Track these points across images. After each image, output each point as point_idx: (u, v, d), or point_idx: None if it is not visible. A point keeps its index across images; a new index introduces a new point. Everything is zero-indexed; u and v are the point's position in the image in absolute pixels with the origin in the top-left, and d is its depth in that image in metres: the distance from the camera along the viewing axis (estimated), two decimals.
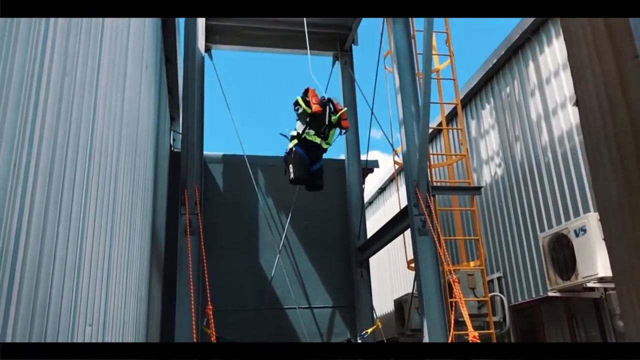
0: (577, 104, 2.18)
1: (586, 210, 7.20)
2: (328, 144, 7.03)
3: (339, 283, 9.50)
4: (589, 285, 6.46)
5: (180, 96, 9.28)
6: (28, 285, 2.05)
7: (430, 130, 9.15)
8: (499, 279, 9.40)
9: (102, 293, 3.51)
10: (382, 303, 13.63)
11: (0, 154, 1.79)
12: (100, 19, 3.29)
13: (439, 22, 9.04)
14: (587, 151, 2.14)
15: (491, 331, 7.76)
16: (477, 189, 8.61)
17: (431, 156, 9.22)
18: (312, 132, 6.85)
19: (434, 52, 8.65)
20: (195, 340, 5.88)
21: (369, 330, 8.30)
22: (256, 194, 9.54)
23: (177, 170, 7.40)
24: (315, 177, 7.24)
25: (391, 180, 14.62)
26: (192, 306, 6.10)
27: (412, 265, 7.76)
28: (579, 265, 6.47)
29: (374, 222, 14.38)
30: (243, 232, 9.45)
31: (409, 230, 7.47)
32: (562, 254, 6.83)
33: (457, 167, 10.37)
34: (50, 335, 2.35)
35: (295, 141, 6.92)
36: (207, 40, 9.50)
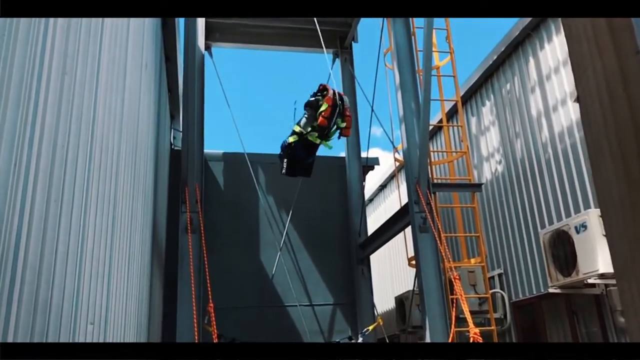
0: (577, 100, 2.17)
1: (587, 206, 7.20)
2: (328, 146, 6.99)
3: (340, 280, 9.51)
4: (590, 281, 6.46)
5: (181, 94, 9.28)
6: (29, 284, 2.05)
7: (431, 127, 9.15)
8: (499, 275, 9.40)
9: (103, 291, 3.51)
10: (383, 300, 13.64)
11: (1, 153, 1.79)
12: (100, 17, 3.29)
13: (439, 19, 9.03)
14: (588, 147, 2.13)
15: (492, 328, 7.77)
16: (478, 186, 8.61)
17: (431, 153, 9.22)
18: (315, 134, 6.79)
19: (434, 49, 8.64)
20: (196, 337, 5.89)
21: (370, 328, 8.30)
22: (257, 192, 9.54)
23: (178, 168, 7.40)
24: (306, 168, 7.30)
25: (392, 177, 14.62)
26: (194, 304, 6.11)
27: (413, 262, 7.77)
28: (579, 262, 6.47)
29: (375, 219, 14.39)
30: (244, 230, 9.45)
31: (409, 227, 7.47)
32: (563, 250, 6.83)
33: (458, 164, 10.37)
34: (52, 333, 2.35)
35: (296, 137, 6.86)
36: (207, 38, 9.50)
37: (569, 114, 7.78)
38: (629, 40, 1.83)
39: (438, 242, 6.73)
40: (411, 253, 8.16)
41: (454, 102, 9.50)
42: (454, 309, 6.26)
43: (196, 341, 5.93)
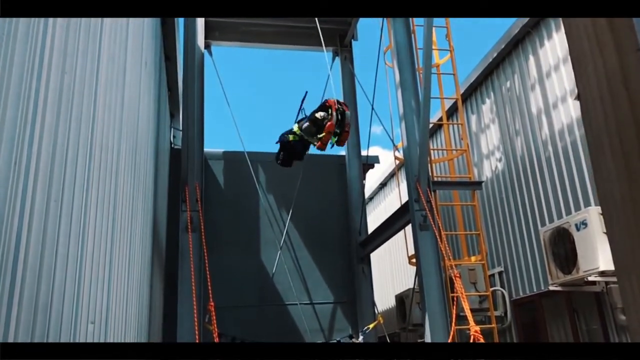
0: (578, 97, 2.17)
1: (587, 204, 7.20)
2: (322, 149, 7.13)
3: (340, 279, 9.51)
4: (590, 279, 6.47)
5: (180, 93, 9.27)
6: (30, 284, 2.05)
7: (431, 125, 9.14)
8: (500, 273, 9.40)
9: (104, 290, 3.51)
10: (384, 298, 13.66)
11: (1, 152, 1.79)
12: (100, 17, 3.28)
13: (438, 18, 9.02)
14: (588, 144, 2.13)
15: (492, 326, 7.77)
16: (478, 184, 8.61)
17: (432, 151, 9.22)
18: (313, 140, 6.91)
19: (434, 47, 8.64)
20: (197, 336, 5.89)
21: (371, 326, 8.31)
22: (257, 191, 9.54)
23: (178, 167, 7.40)
24: (300, 156, 7.51)
25: (392, 175, 14.63)
26: (194, 303, 6.11)
27: (413, 260, 7.77)
28: (580, 259, 6.47)
29: (375, 217, 14.39)
30: (244, 229, 9.45)
31: (410, 225, 7.47)
32: (563, 248, 6.83)
33: (458, 162, 10.37)
34: (53, 333, 2.35)
35: (296, 137, 6.95)
36: (206, 36, 9.49)
37: (569, 112, 7.78)
38: (629, 37, 1.83)
39: (438, 240, 6.73)
40: (411, 251, 8.16)
41: (454, 100, 9.50)
42: (454, 307, 6.26)
43: (197, 340, 5.93)
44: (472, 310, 6.02)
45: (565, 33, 2.28)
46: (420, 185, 7.06)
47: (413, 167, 7.26)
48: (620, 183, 1.88)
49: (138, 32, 5.09)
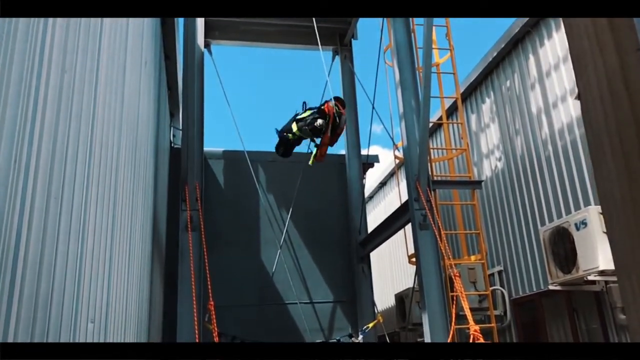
0: (578, 97, 2.17)
1: (587, 203, 7.20)
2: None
3: (340, 278, 9.51)
4: (590, 278, 6.47)
5: (180, 92, 9.27)
6: (30, 282, 2.05)
7: (431, 125, 9.14)
8: (499, 272, 9.41)
9: (104, 289, 3.51)
10: (383, 297, 13.66)
11: (1, 150, 1.79)
12: (99, 17, 3.28)
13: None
14: (588, 144, 2.13)
15: (492, 325, 7.77)
16: (478, 183, 8.61)
17: (431, 150, 9.22)
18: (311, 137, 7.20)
19: (434, 46, 8.64)
20: (196, 335, 5.89)
21: (370, 325, 8.31)
22: (257, 190, 9.54)
23: (178, 166, 7.40)
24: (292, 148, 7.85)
25: (392, 174, 14.63)
26: (194, 302, 6.12)
27: (413, 259, 7.77)
28: (579, 259, 6.48)
29: (375, 216, 14.39)
30: (244, 228, 9.45)
31: (409, 224, 7.47)
32: (563, 247, 6.84)
33: (458, 161, 10.37)
34: (53, 331, 2.35)
35: (294, 136, 7.14)
36: (206, 36, 9.49)
37: (569, 111, 7.78)
38: (629, 37, 1.83)
39: (438, 239, 6.74)
40: (411, 250, 8.16)
41: (453, 100, 9.49)
42: (454, 306, 6.26)
43: (197, 339, 5.93)
44: (471, 310, 6.02)
45: (566, 33, 2.28)
46: (420, 184, 7.06)
47: (413, 166, 7.26)
48: (620, 183, 1.88)
49: (138, 31, 5.09)
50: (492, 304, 8.28)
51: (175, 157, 8.98)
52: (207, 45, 9.64)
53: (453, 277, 6.16)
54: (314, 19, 8.29)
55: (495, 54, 9.50)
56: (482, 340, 5.51)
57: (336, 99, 7.03)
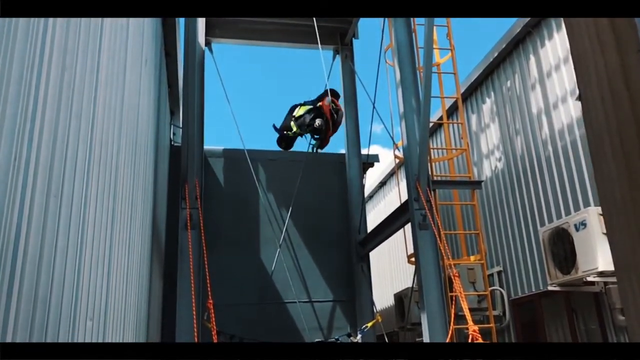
0: (579, 97, 2.17)
1: (586, 204, 7.20)
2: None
3: (340, 277, 9.51)
4: (589, 279, 6.47)
5: (181, 90, 9.26)
6: (29, 279, 2.05)
7: (431, 125, 9.15)
8: (499, 273, 9.41)
9: (103, 287, 3.51)
10: (382, 297, 13.66)
11: (1, 148, 1.79)
12: (99, 17, 3.28)
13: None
14: (589, 144, 2.13)
15: (491, 325, 7.78)
16: (478, 183, 8.61)
17: (432, 150, 9.22)
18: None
19: (434, 46, 8.63)
20: (195, 334, 5.89)
21: (369, 324, 8.31)
22: (257, 189, 9.54)
23: (178, 164, 7.40)
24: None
25: (392, 174, 14.62)
26: (193, 300, 6.11)
27: (413, 259, 7.77)
28: (579, 260, 6.48)
29: (375, 216, 14.39)
30: (243, 227, 9.45)
31: (409, 224, 7.47)
32: (563, 248, 6.84)
33: (458, 161, 10.37)
34: (51, 329, 2.35)
35: (294, 134, 7.26)
36: (207, 34, 9.48)
37: (569, 112, 7.78)
38: (630, 37, 1.82)
39: (438, 239, 6.74)
40: (411, 250, 8.16)
41: (454, 100, 9.49)
42: (453, 306, 6.26)
43: (195, 338, 5.93)
44: (470, 310, 6.02)
45: (567, 33, 2.27)
46: (420, 184, 7.06)
47: (413, 166, 7.25)
48: (621, 183, 1.88)
49: (138, 30, 5.09)
50: (491, 304, 8.28)
51: (175, 155, 8.98)
52: (207, 43, 9.64)
53: (452, 277, 6.15)
54: (314, 19, 8.30)
55: (496, 54, 9.50)
56: (480, 341, 5.51)
57: (331, 92, 7.09)
